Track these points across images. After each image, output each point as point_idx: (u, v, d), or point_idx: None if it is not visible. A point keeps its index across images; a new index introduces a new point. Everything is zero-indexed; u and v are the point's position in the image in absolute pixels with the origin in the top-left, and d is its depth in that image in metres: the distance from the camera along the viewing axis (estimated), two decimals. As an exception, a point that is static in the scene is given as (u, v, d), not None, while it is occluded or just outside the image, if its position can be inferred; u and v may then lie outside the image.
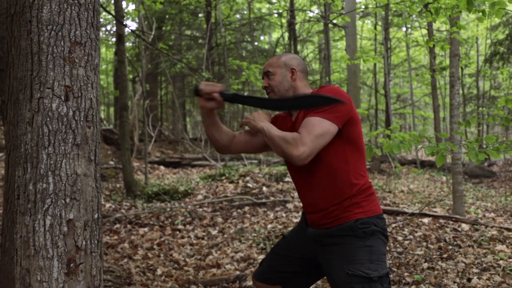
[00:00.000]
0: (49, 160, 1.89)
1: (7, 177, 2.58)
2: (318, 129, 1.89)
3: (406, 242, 4.71)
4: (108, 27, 15.93)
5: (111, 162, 10.18)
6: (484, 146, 3.92)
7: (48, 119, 1.90)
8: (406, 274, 3.81)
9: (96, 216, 2.01)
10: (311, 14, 14.91)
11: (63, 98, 1.92)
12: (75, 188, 1.93)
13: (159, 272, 4.17)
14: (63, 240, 1.89)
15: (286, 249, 2.22)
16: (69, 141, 1.92)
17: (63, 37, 1.94)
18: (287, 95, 2.12)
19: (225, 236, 5.33)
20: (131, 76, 14.55)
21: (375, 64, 15.90)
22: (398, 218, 5.48)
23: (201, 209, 6.55)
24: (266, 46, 19.20)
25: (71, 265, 1.91)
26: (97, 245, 2.02)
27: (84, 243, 1.95)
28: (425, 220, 5.44)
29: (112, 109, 20.68)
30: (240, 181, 7.90)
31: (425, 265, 4.02)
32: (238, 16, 16.87)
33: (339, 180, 1.98)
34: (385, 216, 5.70)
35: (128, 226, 5.80)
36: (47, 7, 1.93)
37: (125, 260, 4.47)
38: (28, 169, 1.91)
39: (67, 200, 1.91)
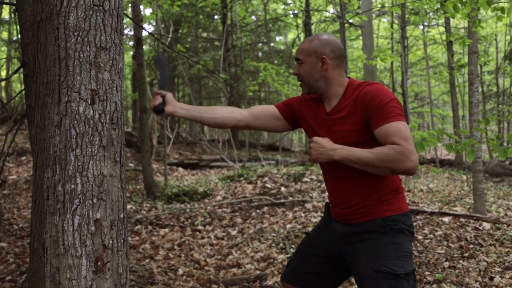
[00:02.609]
0: (77, 161, 1.96)
1: (35, 179, 2.67)
2: (407, 132, 1.83)
3: (427, 241, 4.68)
4: (126, 31, 16.14)
5: (131, 164, 10.32)
6: (505, 143, 3.89)
7: (75, 122, 1.96)
8: (427, 273, 3.80)
9: (122, 215, 2.07)
10: (327, 14, 14.88)
11: (89, 101, 1.98)
12: (102, 188, 1.99)
13: (180, 272, 4.22)
14: (91, 239, 1.95)
15: (311, 247, 2.19)
16: (95, 143, 1.98)
17: (89, 42, 2.00)
18: (318, 85, 2.02)
19: (245, 236, 5.37)
20: (149, 79, 14.71)
21: (392, 63, 15.80)
22: (418, 217, 5.46)
23: (220, 210, 6.61)
24: (282, 47, 19.22)
25: (99, 263, 1.97)
26: (123, 244, 2.07)
27: (111, 242, 2.00)
28: (446, 219, 5.40)
29: (130, 112, 20.92)
30: (259, 182, 7.94)
31: (446, 264, 4.01)
32: (253, 17, 16.93)
33: (373, 178, 1.94)
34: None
35: (149, 227, 5.88)
36: (74, 13, 1.99)
37: (147, 260, 4.54)
38: (57, 171, 1.98)
39: (94, 200, 1.97)
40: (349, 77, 2.06)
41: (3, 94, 16.42)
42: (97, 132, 1.99)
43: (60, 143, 1.98)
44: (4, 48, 15.84)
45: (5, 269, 3.95)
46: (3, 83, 16.55)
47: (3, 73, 17.01)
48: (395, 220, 1.94)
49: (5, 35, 15.97)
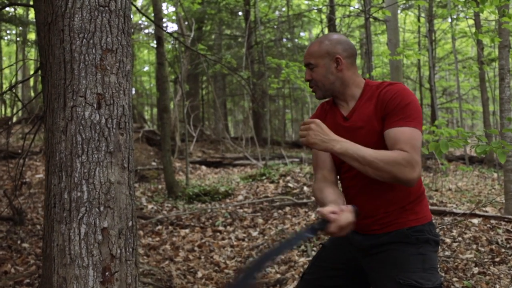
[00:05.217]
0: (83, 168, 1.89)
1: (47, 184, 2.63)
2: (419, 142, 1.69)
3: (455, 244, 4.49)
4: (148, 30, 16.22)
5: (154, 163, 10.34)
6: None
7: (81, 127, 1.90)
8: (455, 279, 3.63)
9: (130, 224, 2.00)
10: (351, 9, 14.61)
11: (95, 106, 1.91)
12: (109, 196, 1.92)
13: (199, 274, 4.16)
14: (98, 249, 1.89)
15: (327, 260, 2.04)
16: (102, 149, 1.92)
17: (95, 44, 1.93)
18: (333, 88, 1.89)
19: (266, 237, 5.27)
20: (172, 77, 14.74)
21: (419, 58, 15.40)
22: (446, 219, 5.26)
23: (241, 210, 6.52)
24: (306, 43, 19.01)
25: (106, 273, 1.90)
26: (132, 253, 2.00)
27: (119, 251, 1.93)
28: (475, 220, 5.18)
29: (155, 110, 21.06)
30: (281, 181, 7.83)
31: (476, 269, 3.81)
32: (277, 13, 16.77)
33: (400, 187, 1.81)
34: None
35: (170, 227, 5.85)
36: (79, 15, 1.92)
37: (167, 262, 4.49)
38: (63, 178, 1.92)
39: (101, 208, 1.90)
40: (365, 78, 1.95)
41: (32, 94, 16.75)
42: (104, 138, 1.93)
43: (66, 149, 1.92)
44: (32, 50, 16.14)
45: (25, 271, 3.96)
46: (31, 83, 16.87)
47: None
48: (421, 230, 1.81)
49: (33, 36, 16.25)
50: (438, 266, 3.84)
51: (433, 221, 1.92)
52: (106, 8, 1.95)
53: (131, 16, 2.15)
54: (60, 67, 1.95)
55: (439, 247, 4.38)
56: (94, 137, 1.90)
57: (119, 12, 1.99)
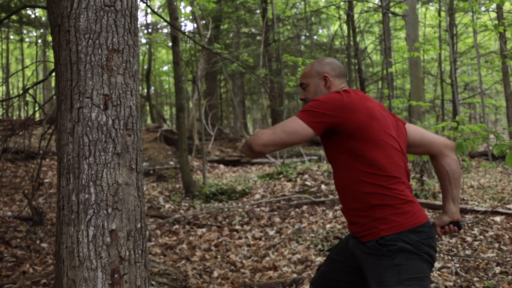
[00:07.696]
0: (90, 170, 1.88)
1: (58, 186, 2.63)
2: (286, 125, 1.82)
3: (476, 243, 4.38)
4: (168, 29, 16.27)
5: (171, 162, 10.38)
6: None
7: (88, 129, 1.89)
8: (475, 279, 3.53)
9: (139, 225, 1.98)
10: (370, 4, 14.41)
11: (102, 107, 1.90)
12: (117, 197, 1.91)
13: (215, 274, 4.14)
14: (107, 251, 1.88)
15: (339, 254, 2.11)
16: (109, 150, 1.90)
17: (101, 45, 1.91)
18: None
19: (283, 236, 5.23)
20: (190, 76, 14.78)
21: (440, 53, 15.12)
22: (467, 216, 5.13)
23: (258, 209, 6.49)
24: (325, 40, 18.85)
25: (115, 276, 1.89)
26: (141, 255, 1.98)
27: (127, 253, 1.92)
28: (497, 218, 5.04)
29: (175, 109, 21.17)
30: (298, 179, 7.76)
31: (497, 269, 3.70)
32: (294, 10, 16.67)
33: (352, 193, 1.87)
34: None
35: (187, 226, 5.85)
36: (84, 16, 1.91)
37: (183, 261, 4.49)
38: (70, 180, 1.91)
39: (109, 210, 1.89)
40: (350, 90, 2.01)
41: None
42: (111, 139, 1.91)
43: (73, 151, 1.91)
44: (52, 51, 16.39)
45: (43, 270, 4.00)
46: (52, 84, 17.13)
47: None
48: (392, 239, 1.77)
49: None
50: (459, 265, 3.74)
51: (428, 231, 1.83)
52: (112, 8, 1.93)
53: (138, 16, 2.13)
54: (67, 68, 1.94)
55: (458, 245, 4.29)
56: (101, 139, 1.89)
57: (125, 12, 1.97)
